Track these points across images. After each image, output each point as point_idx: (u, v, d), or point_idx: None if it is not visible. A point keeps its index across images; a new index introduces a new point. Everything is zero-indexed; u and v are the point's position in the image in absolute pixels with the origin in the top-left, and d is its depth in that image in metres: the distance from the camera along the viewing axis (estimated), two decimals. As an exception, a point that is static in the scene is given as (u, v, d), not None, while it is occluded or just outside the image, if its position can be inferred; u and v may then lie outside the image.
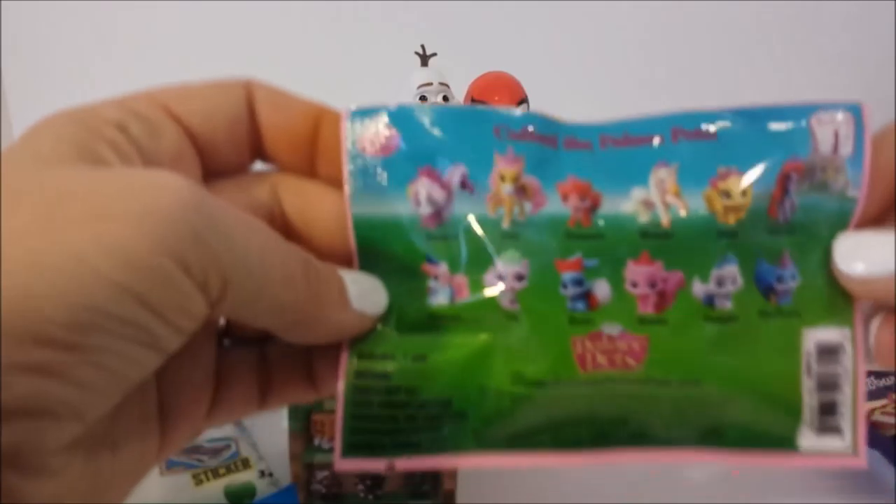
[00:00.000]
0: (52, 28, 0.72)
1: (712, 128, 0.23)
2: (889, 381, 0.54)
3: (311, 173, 0.23)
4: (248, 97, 0.22)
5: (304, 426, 0.44)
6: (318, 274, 0.20)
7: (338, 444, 0.23)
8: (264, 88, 0.23)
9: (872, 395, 0.54)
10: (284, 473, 0.45)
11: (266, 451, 0.48)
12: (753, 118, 0.23)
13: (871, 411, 0.53)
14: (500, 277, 0.23)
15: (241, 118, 0.22)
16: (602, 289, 0.23)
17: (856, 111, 0.23)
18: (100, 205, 0.16)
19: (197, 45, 0.74)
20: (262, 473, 0.45)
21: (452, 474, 0.45)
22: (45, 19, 0.73)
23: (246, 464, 0.46)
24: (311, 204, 0.23)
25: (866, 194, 0.23)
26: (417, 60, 0.56)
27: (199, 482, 0.44)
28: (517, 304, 0.23)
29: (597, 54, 0.77)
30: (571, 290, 0.23)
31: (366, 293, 0.22)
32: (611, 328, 0.23)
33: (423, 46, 0.56)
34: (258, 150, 0.23)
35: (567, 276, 0.23)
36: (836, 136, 0.23)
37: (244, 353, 0.24)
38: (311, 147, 0.23)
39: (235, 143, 0.22)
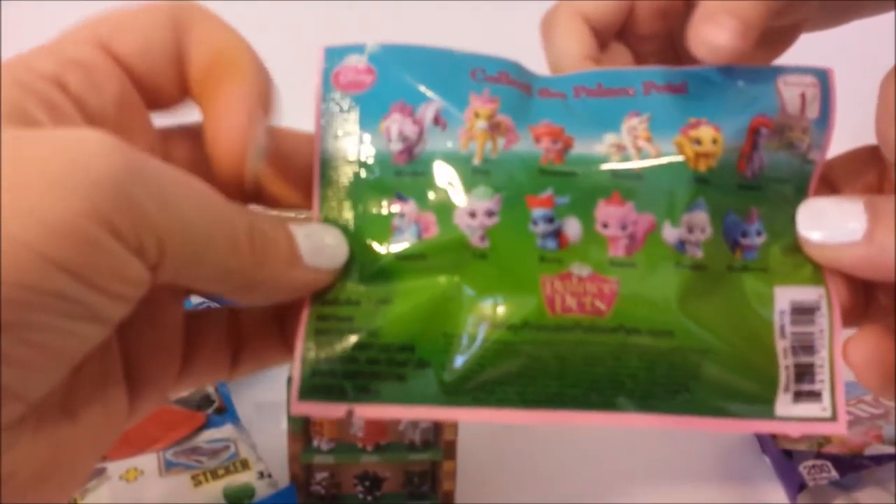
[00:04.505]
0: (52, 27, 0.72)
1: (683, 83, 0.23)
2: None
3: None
4: (177, 25, 0.21)
5: (303, 427, 0.44)
6: (265, 234, 0.20)
7: (295, 386, 0.22)
8: (202, 16, 0.21)
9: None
10: (283, 474, 0.45)
11: (265, 452, 0.48)
12: (721, 76, 0.23)
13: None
14: (471, 213, 0.22)
15: (175, 51, 0.21)
16: (573, 227, 0.22)
17: (822, 76, 0.23)
18: (22, 171, 0.15)
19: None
20: (261, 474, 0.45)
21: (451, 475, 0.45)
22: (45, 19, 0.73)
23: (245, 465, 0.46)
24: (277, 144, 0.22)
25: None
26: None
27: (198, 483, 0.44)
28: (487, 240, 0.22)
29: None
30: (542, 227, 0.22)
31: (321, 247, 0.21)
32: (580, 269, 0.22)
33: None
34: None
35: (538, 212, 0.22)
36: (803, 97, 0.23)
37: (213, 313, 0.23)
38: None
39: (174, 78, 0.21)
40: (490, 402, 0.22)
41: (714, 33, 0.22)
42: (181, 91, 0.21)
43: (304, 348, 0.22)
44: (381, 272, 0.23)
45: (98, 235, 0.16)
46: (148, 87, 0.21)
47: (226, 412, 0.51)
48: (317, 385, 0.22)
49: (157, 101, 0.21)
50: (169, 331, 0.22)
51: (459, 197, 0.23)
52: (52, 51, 0.19)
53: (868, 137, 0.25)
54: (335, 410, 0.22)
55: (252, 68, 0.21)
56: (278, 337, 0.24)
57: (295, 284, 0.21)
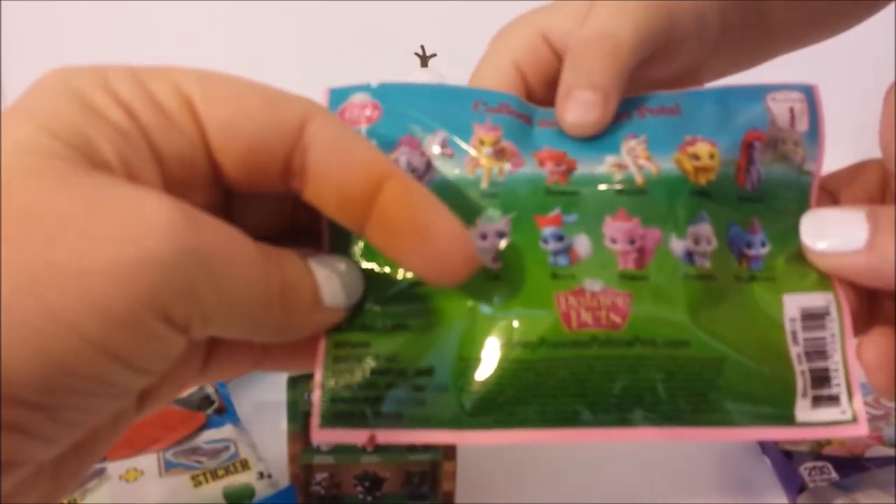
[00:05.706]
0: (53, 27, 0.72)
1: (675, 105, 0.24)
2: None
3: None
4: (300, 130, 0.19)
5: (303, 427, 0.44)
6: (293, 285, 0.19)
7: (316, 414, 0.22)
8: (326, 127, 0.19)
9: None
10: (283, 474, 0.45)
11: (265, 452, 0.48)
12: (712, 97, 0.24)
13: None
14: (482, 236, 0.23)
15: (281, 151, 0.18)
16: (582, 244, 0.23)
17: (808, 92, 0.25)
18: (85, 250, 0.15)
19: (195, 45, 0.74)
20: (261, 475, 0.45)
21: (451, 475, 0.45)
22: (45, 19, 0.73)
23: (245, 465, 0.46)
24: None
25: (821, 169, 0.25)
26: (417, 61, 0.56)
27: (197, 483, 0.44)
28: (499, 261, 0.23)
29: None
30: (552, 245, 0.23)
31: (339, 287, 0.21)
32: (593, 284, 0.23)
33: (422, 47, 0.56)
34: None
35: (547, 230, 0.23)
36: (792, 112, 0.24)
37: None
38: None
39: (267, 169, 0.19)
40: (511, 424, 0.22)
41: (575, 113, 0.23)
42: (261, 176, 0.19)
43: (323, 375, 0.22)
44: (396, 298, 0.23)
45: (153, 325, 0.15)
46: (221, 171, 0.19)
47: (226, 412, 0.51)
48: (338, 412, 0.22)
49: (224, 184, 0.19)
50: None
51: (469, 221, 0.23)
52: (131, 77, 0.17)
53: (867, 150, 0.25)
54: (357, 437, 0.22)
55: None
56: (249, 349, 0.23)
57: (314, 325, 0.21)
